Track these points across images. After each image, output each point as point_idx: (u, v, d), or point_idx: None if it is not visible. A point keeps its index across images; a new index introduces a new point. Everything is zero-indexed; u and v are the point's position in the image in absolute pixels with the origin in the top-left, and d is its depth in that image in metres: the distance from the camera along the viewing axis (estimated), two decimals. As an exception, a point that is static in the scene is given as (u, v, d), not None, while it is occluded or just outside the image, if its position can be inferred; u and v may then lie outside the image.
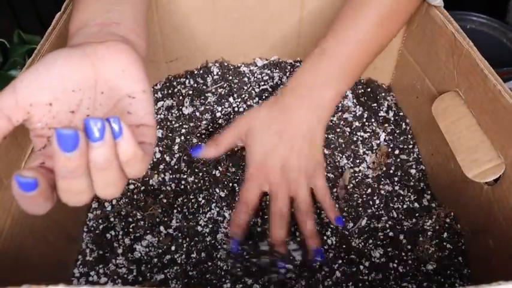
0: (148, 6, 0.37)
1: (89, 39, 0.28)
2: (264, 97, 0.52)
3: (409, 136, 0.50)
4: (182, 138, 0.49)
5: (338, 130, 0.50)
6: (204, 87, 0.53)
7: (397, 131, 0.51)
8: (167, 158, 0.48)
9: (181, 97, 0.52)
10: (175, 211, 0.45)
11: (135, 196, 0.46)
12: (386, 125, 0.51)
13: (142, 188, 0.46)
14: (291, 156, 0.41)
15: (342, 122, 0.51)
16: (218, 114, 0.51)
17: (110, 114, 0.27)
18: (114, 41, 0.28)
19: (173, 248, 0.43)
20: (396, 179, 0.48)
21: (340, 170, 0.48)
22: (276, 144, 0.42)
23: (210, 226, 0.44)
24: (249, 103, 0.51)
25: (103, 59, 0.27)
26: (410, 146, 0.50)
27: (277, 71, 0.54)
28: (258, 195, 0.43)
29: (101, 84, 0.27)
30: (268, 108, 0.43)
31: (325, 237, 0.43)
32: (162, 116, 0.51)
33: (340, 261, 0.42)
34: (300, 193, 0.42)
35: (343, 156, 0.49)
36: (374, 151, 0.49)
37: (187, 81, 0.53)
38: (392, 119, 0.52)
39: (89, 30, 0.29)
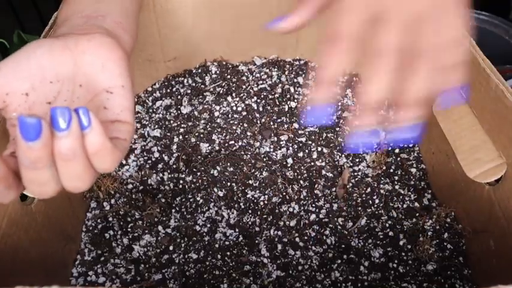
0: (141, 3, 0.37)
1: (73, 31, 0.28)
2: (262, 96, 0.52)
3: (410, 135, 0.50)
4: (180, 137, 0.49)
5: (337, 129, 0.50)
6: (203, 86, 0.52)
7: (398, 130, 0.50)
8: (165, 158, 0.48)
9: (179, 96, 0.52)
10: (173, 211, 0.45)
11: (133, 196, 0.46)
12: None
13: (141, 187, 0.46)
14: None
15: (341, 121, 0.50)
16: (216, 114, 0.50)
17: (87, 107, 0.26)
18: (98, 33, 0.27)
19: (171, 247, 0.43)
20: (396, 178, 0.47)
21: (339, 169, 0.47)
22: None
23: (208, 226, 0.44)
24: (247, 102, 0.51)
25: (84, 52, 0.26)
26: (411, 145, 0.49)
27: (276, 69, 0.53)
28: (355, 27, 0.26)
29: (80, 77, 0.26)
30: None
31: (324, 237, 0.43)
32: (161, 115, 0.51)
33: (339, 261, 0.42)
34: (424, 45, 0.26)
35: (343, 155, 0.48)
36: (374, 150, 0.49)
37: (185, 80, 0.53)
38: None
39: (74, 22, 0.29)
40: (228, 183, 0.46)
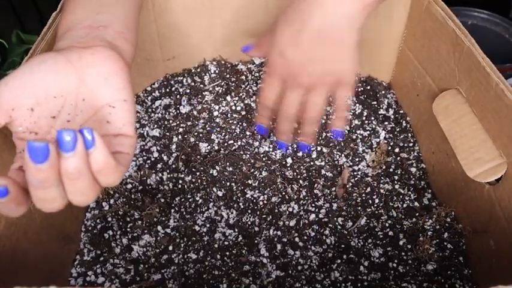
0: (141, 7, 0.37)
1: (75, 43, 0.28)
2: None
3: (410, 134, 0.50)
4: (180, 137, 0.49)
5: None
6: (202, 85, 0.52)
7: (397, 129, 0.50)
8: (165, 158, 0.48)
9: (178, 96, 0.52)
10: (172, 211, 0.45)
11: (132, 196, 0.45)
12: (386, 123, 0.51)
13: (140, 187, 0.46)
14: (310, 60, 0.37)
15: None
16: (216, 113, 0.50)
17: (90, 121, 0.27)
18: (101, 46, 0.28)
19: (170, 247, 0.43)
20: (396, 177, 0.47)
21: (339, 168, 0.47)
22: (290, 42, 0.37)
23: (208, 226, 0.44)
24: (246, 102, 0.51)
25: (87, 66, 0.27)
26: (411, 144, 0.49)
27: (275, 68, 0.53)
28: (277, 93, 0.40)
29: (83, 91, 0.27)
30: (291, 5, 0.37)
31: (323, 237, 0.43)
32: (160, 115, 0.51)
33: (338, 261, 0.41)
34: (314, 100, 0.39)
35: (342, 155, 0.48)
36: (374, 149, 0.49)
37: (184, 79, 0.53)
38: (392, 116, 0.51)
39: (76, 33, 0.29)
40: (228, 183, 0.46)
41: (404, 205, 0.45)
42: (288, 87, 0.39)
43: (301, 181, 0.46)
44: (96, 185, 0.25)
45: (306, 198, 0.45)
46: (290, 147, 0.48)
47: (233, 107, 0.51)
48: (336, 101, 0.40)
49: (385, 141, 0.49)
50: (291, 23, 0.37)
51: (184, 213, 0.45)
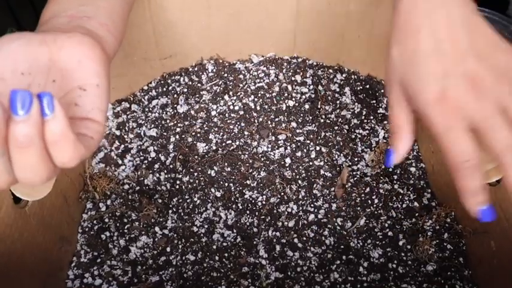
0: (131, 4, 0.36)
1: (55, 29, 0.27)
2: (260, 95, 0.51)
3: (409, 133, 0.49)
4: (177, 137, 0.48)
5: (336, 128, 0.49)
6: (199, 85, 0.52)
7: (397, 128, 0.50)
8: (162, 158, 0.47)
9: (175, 95, 0.51)
10: (170, 211, 0.44)
11: (129, 196, 0.45)
12: (385, 122, 0.50)
13: (137, 188, 0.46)
14: (467, 62, 0.27)
15: (340, 120, 0.50)
16: (213, 113, 0.50)
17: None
18: (79, 33, 0.27)
19: (168, 249, 0.42)
20: (395, 177, 0.47)
21: (338, 168, 0.47)
22: (437, 62, 0.27)
23: (206, 227, 0.43)
24: (244, 101, 0.50)
25: (61, 48, 0.25)
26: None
27: (273, 67, 0.53)
28: (471, 142, 0.27)
29: (54, 72, 0.26)
30: (395, 39, 0.29)
31: (323, 238, 0.43)
32: (157, 114, 0.50)
33: (338, 262, 0.41)
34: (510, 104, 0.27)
35: (341, 155, 0.48)
36: (373, 149, 0.48)
37: (181, 78, 0.52)
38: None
39: (58, 21, 0.29)
40: (226, 184, 0.46)
41: (404, 205, 0.45)
42: (482, 121, 0.27)
43: (300, 181, 0.46)
44: (49, 162, 0.22)
45: (305, 198, 0.45)
46: (289, 147, 0.48)
47: (231, 107, 0.50)
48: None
49: (385, 141, 0.49)
50: (417, 50, 0.28)
51: (182, 214, 0.44)
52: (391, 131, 0.32)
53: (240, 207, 0.44)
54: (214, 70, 0.53)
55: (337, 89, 0.52)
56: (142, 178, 0.46)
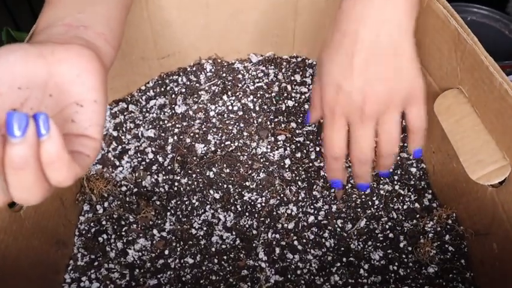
0: (129, 7, 0.35)
1: (52, 39, 0.27)
2: (259, 95, 0.50)
3: (410, 134, 0.49)
4: (175, 138, 0.48)
5: (336, 128, 0.49)
6: (197, 85, 0.51)
7: (397, 129, 0.49)
8: (160, 159, 0.47)
9: (173, 95, 0.50)
10: (168, 214, 0.44)
11: (127, 198, 0.44)
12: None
13: (135, 190, 0.45)
14: (368, 84, 0.32)
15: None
16: (212, 113, 0.49)
17: (55, 119, 0.25)
18: (77, 44, 0.26)
19: (166, 251, 0.42)
20: (396, 178, 0.46)
21: (338, 169, 0.46)
22: (344, 71, 0.33)
23: (205, 229, 0.43)
24: (243, 101, 0.50)
25: (59, 61, 0.25)
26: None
27: (272, 67, 0.52)
28: (343, 140, 0.35)
29: (51, 87, 0.25)
30: (330, 32, 0.34)
31: (323, 240, 0.42)
32: (155, 115, 0.49)
33: (338, 264, 0.41)
34: (384, 131, 0.35)
35: (342, 155, 0.47)
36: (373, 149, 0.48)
37: (179, 78, 0.52)
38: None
39: (54, 30, 0.28)
40: (225, 185, 0.45)
41: (405, 206, 0.44)
42: (355, 125, 0.34)
43: (299, 182, 0.45)
44: (44, 182, 0.22)
45: (305, 200, 0.44)
46: (288, 148, 0.47)
47: (230, 107, 0.50)
48: (409, 122, 0.36)
49: (385, 141, 0.48)
50: (338, 51, 0.33)
51: (180, 216, 0.44)
52: (310, 103, 0.39)
53: (239, 209, 0.44)
54: (212, 70, 0.52)
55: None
56: (140, 180, 0.46)
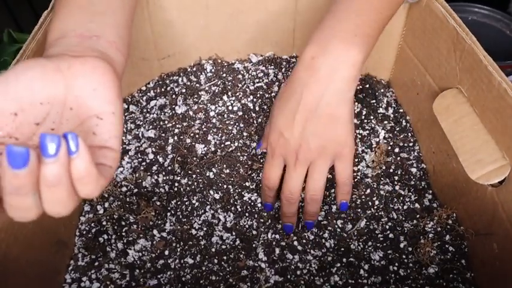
0: (134, 13, 0.35)
1: (66, 52, 0.27)
2: (259, 95, 0.50)
3: (410, 134, 0.49)
4: (175, 138, 0.48)
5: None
6: (198, 85, 0.51)
7: (397, 129, 0.49)
8: (160, 159, 0.47)
9: (174, 96, 0.51)
10: (168, 214, 0.44)
11: (127, 199, 0.45)
12: (385, 122, 0.50)
13: (135, 190, 0.45)
14: (304, 137, 0.38)
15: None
16: (212, 114, 0.49)
17: (75, 131, 0.26)
18: (92, 57, 0.27)
19: (167, 252, 0.42)
20: (396, 178, 0.46)
21: (338, 169, 0.46)
22: (287, 122, 0.38)
23: (205, 229, 0.43)
24: (243, 101, 0.50)
25: (76, 76, 0.26)
26: (411, 144, 0.48)
27: (272, 67, 0.52)
28: (278, 174, 0.41)
29: (71, 100, 0.26)
30: (285, 84, 0.40)
31: (323, 240, 0.42)
32: (155, 115, 0.49)
33: (338, 265, 0.41)
34: (311, 174, 0.40)
35: (342, 156, 0.47)
36: (373, 149, 0.48)
37: (180, 79, 0.52)
38: (391, 116, 0.50)
39: (68, 42, 0.29)
40: (225, 186, 0.45)
41: (405, 207, 0.44)
42: (288, 167, 0.40)
43: (299, 183, 0.45)
44: (75, 195, 0.24)
45: (305, 200, 0.44)
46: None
47: (230, 107, 0.50)
48: (338, 176, 0.41)
49: (385, 141, 0.48)
50: (286, 105, 0.38)
51: (180, 216, 0.44)
52: (263, 134, 0.44)
53: (239, 209, 0.44)
54: (212, 70, 0.52)
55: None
56: (140, 180, 0.46)
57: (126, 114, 0.50)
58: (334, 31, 0.36)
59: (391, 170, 0.46)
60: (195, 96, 0.50)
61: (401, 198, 0.45)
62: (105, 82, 0.27)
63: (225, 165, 0.46)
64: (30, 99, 0.25)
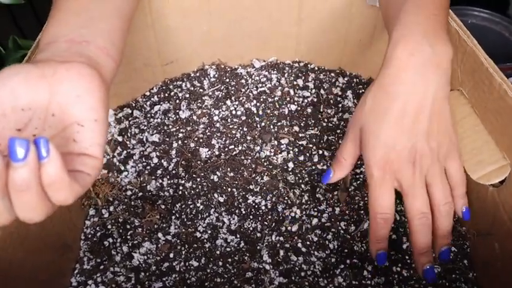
0: (131, 20, 0.35)
1: (54, 57, 0.27)
2: (262, 99, 0.51)
3: (411, 136, 0.49)
4: (179, 142, 0.48)
5: (338, 131, 0.49)
6: (201, 90, 0.52)
7: (399, 131, 0.50)
8: (164, 163, 0.47)
9: (178, 101, 0.51)
10: (173, 217, 0.44)
11: (132, 202, 0.45)
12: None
13: (140, 194, 0.46)
14: (418, 141, 0.34)
15: (342, 123, 0.50)
16: (216, 118, 0.50)
17: (57, 138, 0.26)
18: (78, 62, 0.27)
19: (171, 255, 0.42)
20: (399, 180, 0.46)
21: (341, 172, 0.47)
22: (394, 132, 0.34)
23: (209, 232, 0.43)
24: (246, 106, 0.50)
25: (61, 82, 0.26)
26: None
27: (275, 72, 0.53)
28: (392, 199, 0.35)
29: (54, 107, 0.26)
30: (373, 93, 0.35)
31: (326, 242, 0.42)
32: (159, 120, 0.50)
33: (342, 266, 0.41)
34: (437, 182, 0.34)
35: (344, 158, 0.48)
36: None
37: (183, 84, 0.52)
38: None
39: (57, 47, 0.29)
40: (229, 189, 0.45)
41: (408, 208, 0.44)
42: (405, 181, 0.34)
43: (303, 185, 0.46)
44: (47, 202, 0.23)
45: (308, 202, 0.45)
46: (291, 152, 0.48)
47: (233, 112, 0.50)
48: (452, 178, 0.35)
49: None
50: (386, 116, 0.34)
51: (185, 219, 0.44)
52: (336, 156, 0.38)
53: (243, 212, 0.44)
54: (216, 75, 0.53)
55: (339, 93, 0.52)
56: (145, 184, 0.46)
57: (130, 119, 0.50)
58: (425, 27, 0.33)
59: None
60: (199, 101, 0.51)
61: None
62: (90, 88, 0.26)
63: (229, 169, 0.46)
64: (12, 105, 0.24)
